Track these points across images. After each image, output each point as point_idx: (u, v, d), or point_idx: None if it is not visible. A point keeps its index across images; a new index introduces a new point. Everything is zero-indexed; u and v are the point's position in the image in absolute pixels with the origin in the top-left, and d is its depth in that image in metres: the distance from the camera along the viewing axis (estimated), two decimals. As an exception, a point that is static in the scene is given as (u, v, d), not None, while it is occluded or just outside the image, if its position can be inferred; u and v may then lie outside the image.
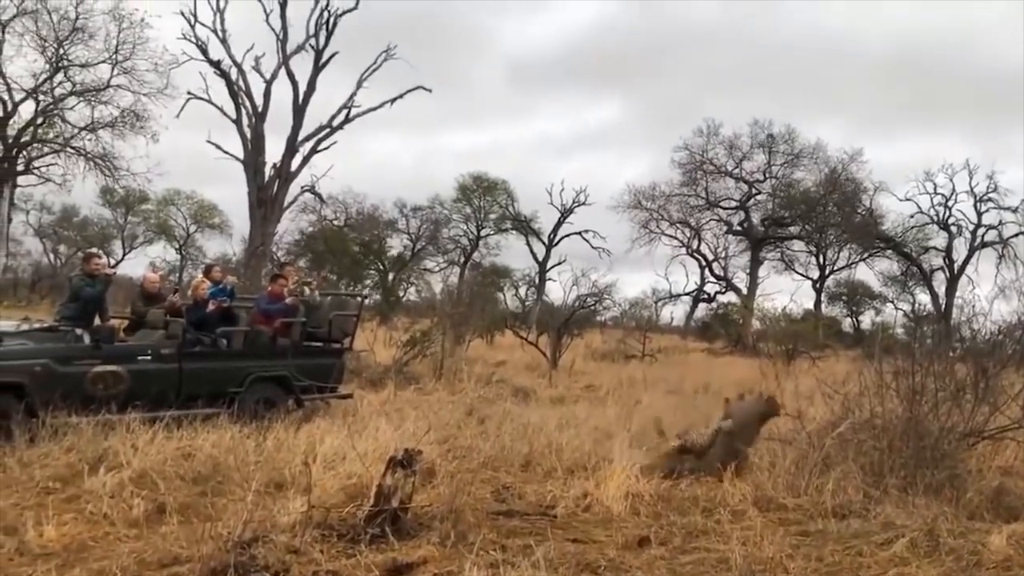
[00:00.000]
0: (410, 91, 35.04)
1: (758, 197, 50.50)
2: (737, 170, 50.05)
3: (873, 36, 73.28)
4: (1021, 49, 69.35)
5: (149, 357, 10.30)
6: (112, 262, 43.18)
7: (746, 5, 76.55)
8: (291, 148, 34.13)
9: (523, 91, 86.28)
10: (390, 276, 52.09)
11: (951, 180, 46.28)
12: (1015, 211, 44.59)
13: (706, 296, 53.71)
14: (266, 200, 33.62)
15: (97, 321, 10.72)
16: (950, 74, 69.61)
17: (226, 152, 33.41)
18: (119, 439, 8.26)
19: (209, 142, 33.02)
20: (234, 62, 33.84)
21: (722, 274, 52.10)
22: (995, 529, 6.44)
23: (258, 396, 10.92)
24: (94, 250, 12.00)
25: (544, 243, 57.86)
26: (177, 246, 56.65)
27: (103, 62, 33.70)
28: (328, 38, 34.29)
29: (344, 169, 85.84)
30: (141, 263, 54.06)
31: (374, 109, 35.07)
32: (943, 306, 45.06)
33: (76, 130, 34.35)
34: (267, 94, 34.12)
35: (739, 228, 50.70)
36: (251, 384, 10.92)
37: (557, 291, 60.04)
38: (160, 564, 5.52)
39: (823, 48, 72.75)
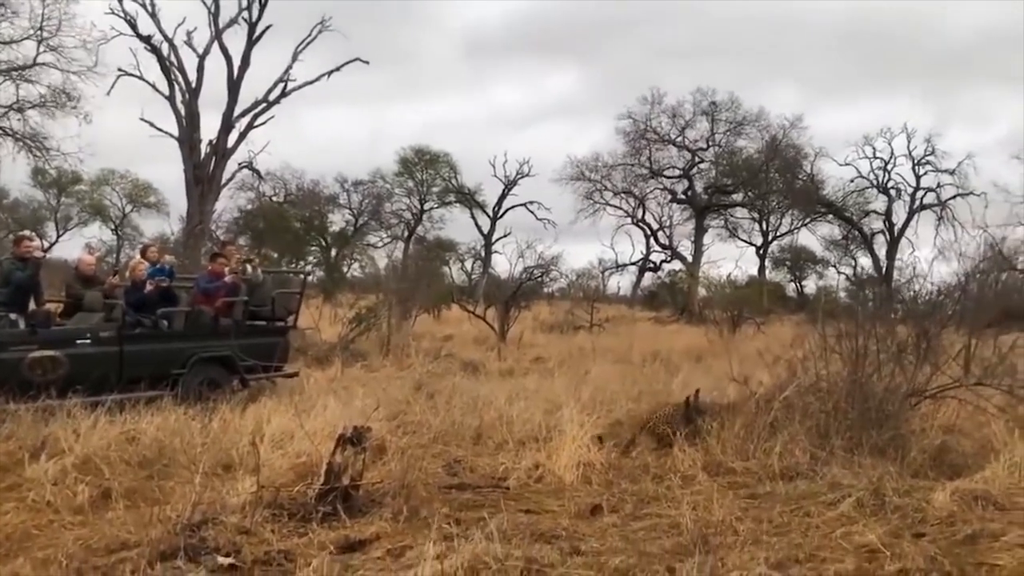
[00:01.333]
0: (347, 63, 34.76)
1: (701, 165, 50.97)
2: (680, 138, 50.36)
3: (826, 5, 74.10)
4: (969, 16, 70.66)
5: (88, 340, 10.10)
6: (45, 244, 42.21)
7: None
8: (227, 124, 33.57)
9: (474, 64, 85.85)
10: (333, 252, 51.62)
11: (890, 144, 47.29)
12: (952, 173, 45.69)
13: (652, 265, 54.15)
14: (203, 178, 33.07)
15: (32, 305, 10.44)
16: (901, 42, 71.10)
17: (160, 130, 32.82)
18: (60, 425, 8.04)
19: (142, 120, 32.40)
20: (165, 37, 33.16)
21: (667, 243, 52.55)
22: (938, 486, 6.57)
23: (202, 377, 10.79)
24: (25, 232, 11.62)
25: (489, 216, 57.83)
26: (113, 227, 55.49)
27: (28, 39, 32.51)
28: (261, 11, 33.75)
29: (291, 146, 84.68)
30: (76, 245, 52.93)
31: (311, 83, 34.70)
32: (884, 269, 45.97)
33: (3, 110, 33.29)
34: (200, 69, 33.53)
35: (683, 196, 51.07)
36: (194, 365, 10.77)
37: (503, 264, 60.08)
38: (108, 550, 5.39)
39: (777, 18, 73.30)
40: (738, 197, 51.05)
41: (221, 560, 5.11)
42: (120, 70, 32.61)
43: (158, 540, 5.29)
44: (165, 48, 33.05)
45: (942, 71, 71.70)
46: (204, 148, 33.30)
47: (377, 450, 7.52)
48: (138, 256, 12.84)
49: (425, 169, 56.97)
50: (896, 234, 47.72)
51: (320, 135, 75.05)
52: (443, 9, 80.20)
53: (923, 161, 46.72)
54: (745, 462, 7.70)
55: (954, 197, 45.68)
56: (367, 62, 34.78)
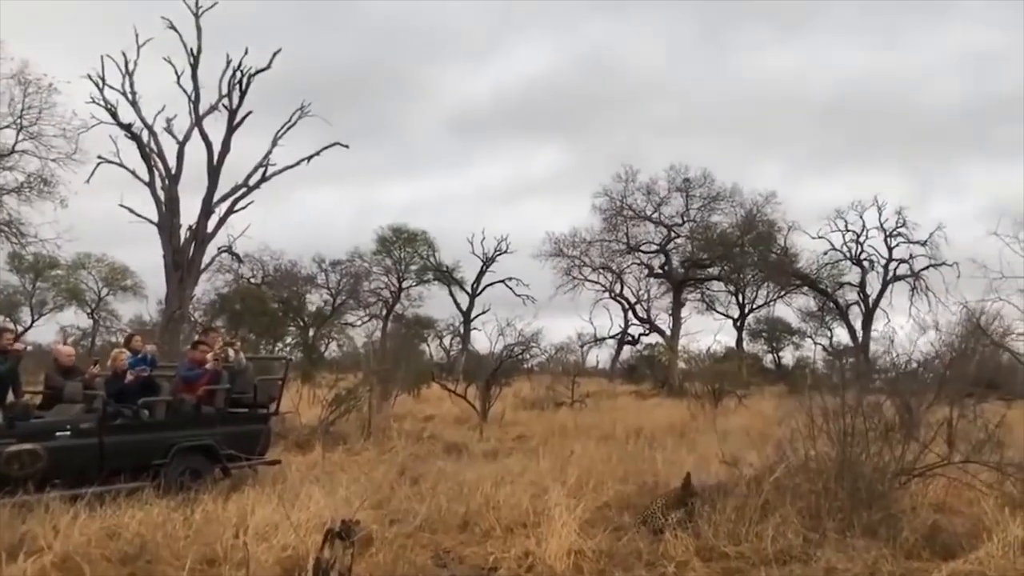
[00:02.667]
0: (326, 148, 35.03)
1: (677, 240, 51.50)
2: (656, 214, 50.97)
3: (808, 84, 76.39)
4: (948, 96, 72.88)
5: (68, 433, 9.93)
6: (20, 329, 41.81)
7: (689, 60, 78.92)
8: (207, 209, 33.61)
9: (460, 142, 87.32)
10: (311, 332, 51.39)
11: (861, 217, 47.87)
12: (924, 244, 46.28)
13: (630, 338, 54.46)
14: (182, 263, 32.98)
15: (11, 398, 10.30)
16: (881, 118, 73.38)
17: (140, 216, 32.80)
18: (38, 521, 7.90)
19: (122, 206, 32.39)
20: (145, 124, 33.34)
21: (645, 316, 52.91)
22: (934, 568, 6.56)
23: (184, 467, 10.63)
24: (8, 325, 11.54)
25: (468, 292, 57.98)
26: (89, 311, 55.07)
27: (7, 127, 32.76)
28: (242, 98, 34.07)
29: (273, 225, 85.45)
30: (51, 329, 52.38)
31: (291, 167, 34.92)
32: (860, 339, 46.23)
33: (-21, 196, 33.26)
34: (180, 156, 33.66)
35: (660, 271, 51.55)
36: (176, 455, 10.60)
37: (483, 340, 60.20)
38: (90, 656, 5.27)
39: (759, 97, 75.67)
40: (714, 271, 51.55)
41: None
42: (100, 158, 32.74)
43: (144, 644, 5.17)
44: (145, 135, 33.23)
45: (921, 145, 73.72)
46: (184, 233, 33.27)
47: (364, 541, 7.41)
48: (121, 345, 12.74)
49: (403, 247, 57.24)
50: (871, 305, 48.13)
51: (305, 215, 75.79)
52: (428, 88, 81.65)
53: (895, 233, 47.40)
54: (738, 546, 7.64)
55: (926, 268, 46.33)
56: (347, 146, 35.07)
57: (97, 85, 32.87)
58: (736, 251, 48.95)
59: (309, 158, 34.97)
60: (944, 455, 9.41)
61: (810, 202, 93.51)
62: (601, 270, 52.30)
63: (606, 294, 52.79)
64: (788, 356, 57.16)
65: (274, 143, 34.50)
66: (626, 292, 53.16)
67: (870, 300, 48.22)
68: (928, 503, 8.66)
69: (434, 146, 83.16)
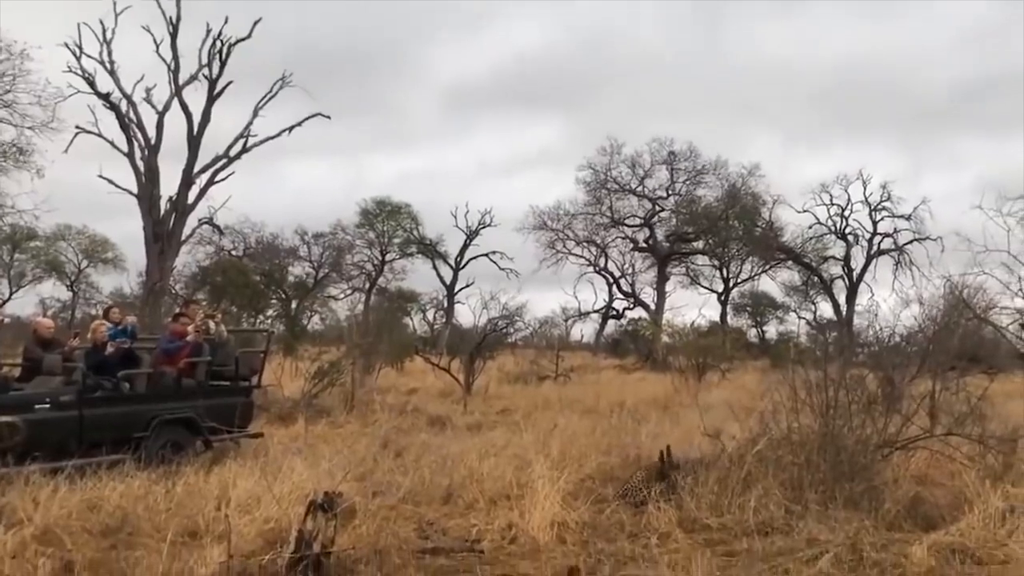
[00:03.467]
0: (308, 118, 34.65)
1: (662, 214, 51.60)
2: (640, 188, 51.00)
3: (805, 61, 76.57)
4: (943, 71, 73.16)
5: (47, 405, 9.82)
6: (-1, 302, 41.50)
7: (685, 35, 78.65)
8: (187, 180, 33.23)
9: (450, 118, 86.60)
10: (293, 305, 51.20)
11: (846, 191, 47.90)
12: (909, 219, 46.43)
13: (615, 313, 54.48)
14: (163, 234, 32.65)
15: (-11, 370, 10.21)
16: (877, 95, 73.21)
17: (119, 187, 32.37)
18: (18, 494, 7.82)
19: (101, 177, 31.98)
20: (124, 94, 32.84)
21: (630, 290, 53.02)
22: (915, 539, 6.58)
23: (165, 440, 10.55)
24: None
25: (451, 266, 57.89)
26: (68, 283, 54.65)
27: (-21, 95, 32.23)
28: (222, 68, 33.57)
29: (262, 200, 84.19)
30: (30, 302, 51.93)
31: (272, 138, 34.55)
32: (844, 313, 46.42)
33: (-46, 167, 32.77)
34: (160, 126, 33.19)
35: (644, 245, 51.61)
36: (157, 428, 10.52)
37: (466, 314, 60.13)
38: (71, 628, 5.23)
39: (757, 72, 75.47)
40: (699, 245, 51.61)
41: (191, 637, 4.95)
42: (78, 127, 32.24)
43: (125, 617, 5.13)
44: (124, 105, 32.75)
45: (915, 120, 73.88)
46: (164, 205, 32.92)
47: (347, 513, 7.37)
48: (101, 317, 12.62)
49: (386, 220, 56.99)
50: (855, 279, 48.31)
51: (295, 189, 75.45)
52: (420, 61, 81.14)
53: (879, 207, 47.45)
54: (720, 518, 7.67)
55: (911, 242, 46.48)
56: (328, 117, 34.69)
57: (74, 54, 32.33)
58: (721, 225, 49.00)
59: (291, 128, 34.63)
60: (926, 428, 9.46)
61: (803, 178, 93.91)
62: (585, 244, 52.44)
63: (590, 268, 52.97)
64: (772, 330, 57.41)
65: (255, 113, 34.13)
66: (610, 266, 53.36)
67: (854, 274, 48.44)
68: (910, 475, 8.71)
69: (426, 120, 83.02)
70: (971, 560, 6.26)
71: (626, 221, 51.70)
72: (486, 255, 56.77)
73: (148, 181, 32.66)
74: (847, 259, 48.60)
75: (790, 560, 6.38)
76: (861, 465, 8.14)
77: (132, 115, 32.86)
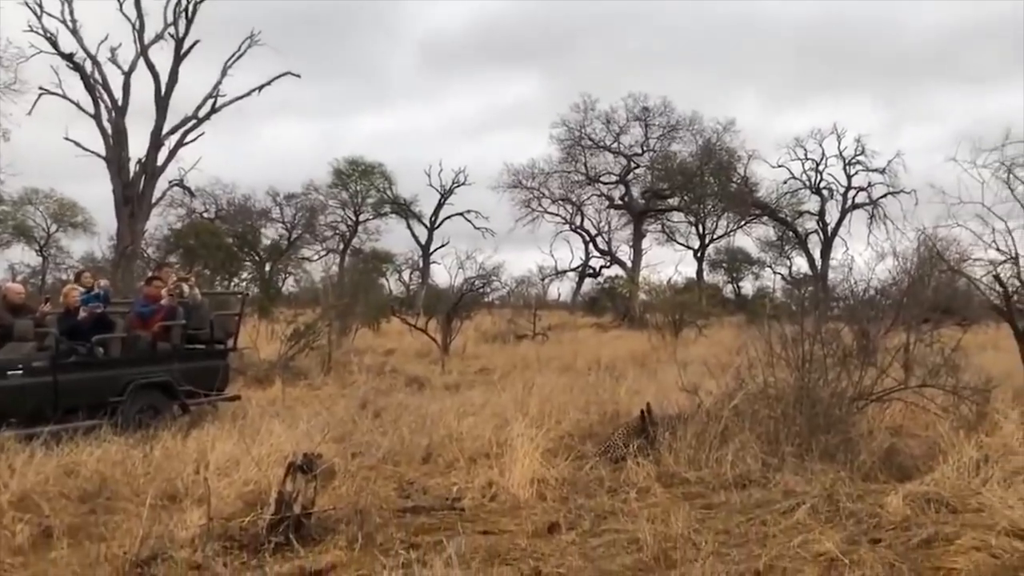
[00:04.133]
0: (278, 77, 34.31)
1: (637, 171, 51.54)
2: (615, 144, 50.88)
3: (784, 10, 75.98)
4: (922, 22, 72.95)
5: (20, 371, 9.72)
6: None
7: None
8: (156, 142, 32.88)
9: (427, 76, 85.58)
10: (267, 267, 50.89)
11: (820, 145, 47.98)
12: (883, 172, 46.59)
13: (591, 271, 54.59)
14: (133, 197, 32.31)
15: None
16: (856, 45, 72.96)
17: (86, 149, 31.94)
18: (-7, 461, 7.77)
19: (67, 139, 31.50)
20: (88, 54, 32.31)
21: (606, 248, 53.09)
22: (890, 490, 6.65)
23: (141, 404, 10.51)
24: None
25: (426, 226, 57.68)
26: (37, 248, 53.88)
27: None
28: (188, 26, 33.18)
29: (237, 162, 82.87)
30: (-2, 268, 51.20)
31: (241, 98, 34.19)
32: (819, 268, 46.72)
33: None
34: (126, 87, 32.77)
35: (620, 202, 51.59)
36: (133, 392, 10.47)
37: (442, 274, 60.14)
38: (53, 593, 5.21)
39: (735, 24, 74.91)
40: (674, 201, 51.65)
41: (173, 599, 4.94)
42: (41, 88, 31.71)
43: (106, 580, 5.11)
44: (88, 66, 32.24)
45: (896, 73, 73.71)
46: (133, 167, 32.50)
47: (327, 474, 7.37)
48: (72, 282, 12.46)
49: (359, 180, 56.55)
50: (830, 233, 48.57)
51: (271, 151, 74.38)
52: (395, 18, 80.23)
53: (853, 161, 47.60)
54: (698, 472, 7.74)
55: (885, 196, 46.65)
56: (298, 75, 34.44)
57: (35, 12, 31.75)
58: (696, 181, 49.00)
59: (260, 88, 34.33)
60: (900, 380, 9.56)
61: (784, 132, 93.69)
62: (561, 202, 52.38)
63: (566, 226, 53.00)
64: (748, 286, 57.84)
65: (224, 73, 33.78)
66: (586, 224, 53.41)
67: (829, 229, 48.72)
68: (885, 427, 8.81)
69: (401, 79, 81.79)
70: (945, 509, 6.34)
71: (601, 178, 51.66)
72: (461, 214, 56.65)
73: (116, 143, 32.25)
74: (822, 214, 48.90)
75: (767, 512, 6.44)
76: (837, 418, 8.22)
77: (97, 76, 32.41)
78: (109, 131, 32.30)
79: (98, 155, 32.25)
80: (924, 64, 72.10)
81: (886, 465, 7.75)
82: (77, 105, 32.13)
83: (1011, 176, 10.09)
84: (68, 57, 31.93)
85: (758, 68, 76.79)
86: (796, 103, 78.59)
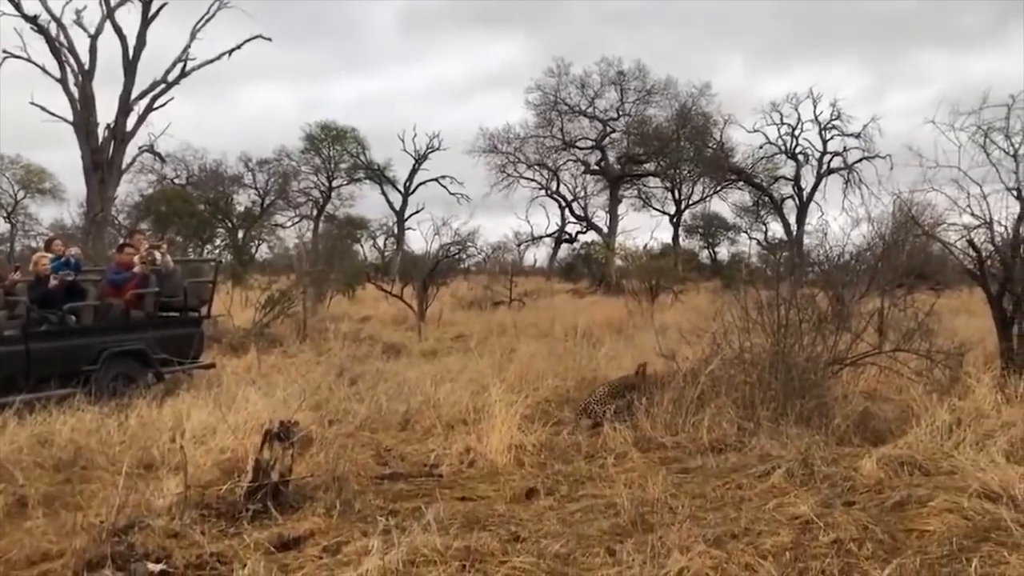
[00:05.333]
0: (248, 41, 33.80)
1: (613, 135, 51.33)
2: (591, 109, 50.61)
3: None
4: None
5: (-9, 340, 9.62)
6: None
7: None
8: (125, 107, 32.31)
9: (411, 38, 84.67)
10: (240, 234, 50.51)
11: (796, 110, 47.76)
12: (858, 137, 46.49)
13: (568, 237, 54.53)
14: (102, 163, 31.80)
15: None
16: (841, 10, 72.50)
17: (53, 114, 31.34)
18: (-35, 430, 7.70)
19: (33, 104, 30.92)
20: (53, 16, 31.50)
21: (582, 214, 53.06)
22: (864, 453, 6.74)
23: (115, 372, 10.44)
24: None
25: (400, 192, 57.39)
26: (5, 215, 53.12)
27: None
28: (156, -13, 32.44)
29: (218, 127, 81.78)
30: (-35, 236, 50.47)
31: (211, 61, 33.65)
32: (795, 233, 46.89)
33: None
34: (93, 50, 32.04)
35: (596, 167, 51.49)
36: (106, 360, 10.38)
37: (418, 240, 59.92)
38: (29, 562, 5.17)
39: None
40: (650, 167, 51.54)
41: (152, 567, 4.91)
42: (5, 52, 31.05)
43: (83, 549, 5.08)
44: (54, 28, 31.51)
45: (881, 35, 73.50)
46: (102, 132, 31.99)
47: (304, 442, 7.36)
48: (42, 249, 12.29)
49: (332, 145, 56.08)
50: (805, 199, 48.51)
51: (250, 115, 73.51)
52: None
53: (829, 126, 47.51)
54: (675, 436, 7.81)
55: (860, 160, 46.40)
56: (269, 39, 33.87)
57: (-4, -27, 30.97)
58: (672, 146, 48.90)
59: (231, 51, 33.78)
60: (875, 344, 9.65)
61: (769, 95, 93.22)
62: (536, 167, 52.17)
63: (542, 192, 52.85)
64: (724, 251, 57.87)
65: (192, 36, 33.16)
66: (562, 190, 53.28)
67: (804, 194, 48.56)
68: (859, 391, 8.89)
69: (381, 42, 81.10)
70: (919, 472, 6.43)
71: (577, 143, 51.49)
72: (436, 180, 56.39)
73: (83, 108, 31.68)
74: (797, 179, 48.78)
75: (743, 476, 6.51)
76: (812, 382, 8.28)
77: (63, 39, 31.72)
78: (76, 96, 31.70)
79: (65, 120, 31.69)
80: (908, 26, 71.96)
81: (860, 429, 7.84)
82: (43, 69, 31.51)
83: (987, 140, 10.11)
84: (32, 20, 31.20)
85: (744, 30, 76.23)
86: (781, 67, 78.26)
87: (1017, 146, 10.19)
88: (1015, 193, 10.24)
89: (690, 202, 53.90)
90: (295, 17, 71.77)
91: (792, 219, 49.26)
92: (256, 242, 52.02)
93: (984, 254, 10.21)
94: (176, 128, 57.67)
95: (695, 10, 77.31)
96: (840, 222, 48.47)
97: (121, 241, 14.53)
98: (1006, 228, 10.23)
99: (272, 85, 78.53)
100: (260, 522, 5.67)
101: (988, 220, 10.13)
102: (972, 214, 10.17)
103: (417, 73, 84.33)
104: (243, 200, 53.09)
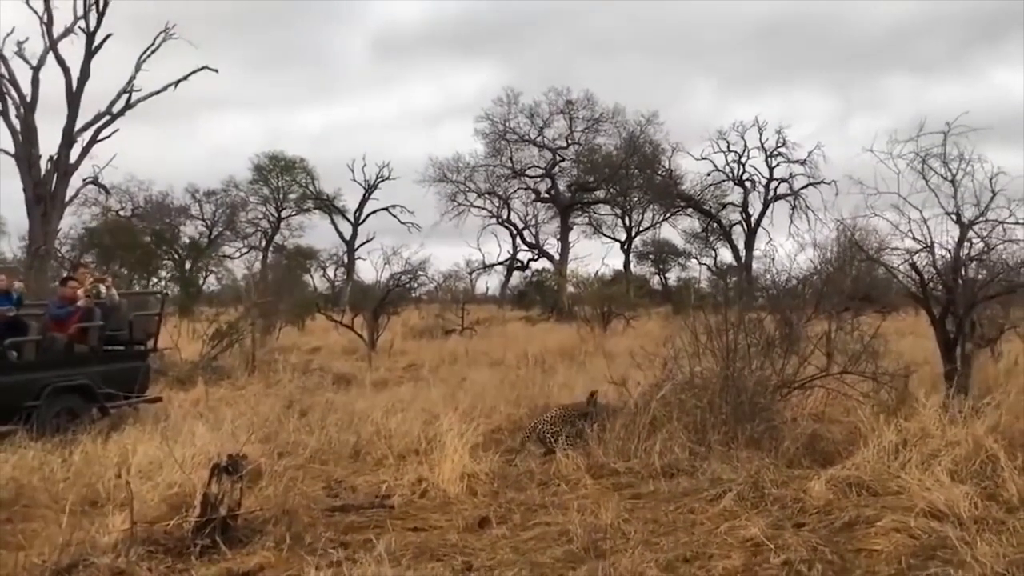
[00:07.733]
0: (194, 72, 33.49)
1: (563, 164, 51.83)
2: (540, 138, 51.04)
3: (743, 4, 76.70)
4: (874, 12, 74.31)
5: (-70, 377, 9.38)
6: None
7: None
8: (68, 139, 31.80)
9: (382, 66, 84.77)
10: (187, 265, 49.88)
11: (742, 137, 48.56)
12: (803, 164, 47.41)
13: (519, 264, 54.61)
14: (45, 196, 31.21)
15: None
16: (809, 40, 74.22)
17: (-6, 147, 30.76)
18: (-99, 471, 7.48)
19: (-29, 136, 30.29)
20: (-8, 48, 31.03)
21: (533, 242, 53.31)
22: (813, 475, 6.83)
23: (58, 408, 10.19)
24: None
25: (350, 221, 57.19)
26: (-57, 249, 51.92)
27: None
28: (100, 19, 32.01)
29: (177, 158, 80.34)
30: (-101, 271, 48.97)
31: (156, 93, 33.28)
32: (743, 258, 47.47)
33: None
34: (35, 82, 31.45)
35: (547, 195, 51.88)
36: (49, 396, 10.14)
37: (368, 270, 59.70)
38: (-34, 607, 5.03)
39: (691, 16, 75.13)
40: (601, 194, 52.03)
41: (96, 607, 4.80)
42: (-57, 83, 30.48)
43: (24, 590, 4.95)
44: (-6, 60, 30.99)
45: (847, 64, 74.95)
46: (44, 165, 31.45)
47: (253, 475, 7.26)
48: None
49: (281, 176, 55.82)
50: (753, 224, 49.26)
51: (200, 146, 72.83)
52: (346, 9, 79.47)
53: (775, 153, 48.37)
54: (627, 462, 7.85)
55: (806, 187, 47.36)
56: (216, 70, 33.66)
57: (-68, 4, 30.42)
58: (621, 173, 49.38)
59: (176, 83, 33.41)
60: (823, 367, 9.78)
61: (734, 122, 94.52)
62: (487, 195, 52.33)
63: (493, 220, 52.96)
64: (674, 277, 58.38)
65: (138, 67, 32.78)
66: (513, 217, 53.47)
67: (752, 220, 49.33)
68: (807, 414, 8.99)
69: (351, 71, 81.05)
70: (867, 492, 6.53)
71: (527, 172, 51.85)
72: (387, 209, 56.32)
73: (25, 140, 31.11)
74: (745, 205, 49.55)
75: (695, 500, 6.57)
76: (761, 406, 8.38)
77: (3, 70, 31.12)
78: (18, 128, 31.13)
79: (7, 152, 31.10)
80: (874, 55, 73.57)
81: (809, 451, 7.94)
82: (-17, 100, 30.94)
83: (925, 167, 10.34)
84: (-30, 51, 30.69)
85: (712, 59, 77.16)
86: (751, 94, 79.47)
87: (955, 171, 10.40)
88: (954, 217, 10.45)
89: (640, 229, 54.47)
90: (264, 44, 71.54)
91: (741, 245, 50.00)
92: (204, 274, 51.42)
93: (926, 277, 10.42)
94: (127, 161, 56.89)
95: (669, 41, 78.56)
96: (787, 247, 49.25)
97: (64, 275, 14.26)
98: (947, 251, 10.44)
99: (238, 115, 77.97)
100: (209, 557, 5.59)
101: (929, 244, 10.34)
102: (913, 238, 10.38)
103: (385, 102, 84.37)
104: (190, 231, 52.57)
